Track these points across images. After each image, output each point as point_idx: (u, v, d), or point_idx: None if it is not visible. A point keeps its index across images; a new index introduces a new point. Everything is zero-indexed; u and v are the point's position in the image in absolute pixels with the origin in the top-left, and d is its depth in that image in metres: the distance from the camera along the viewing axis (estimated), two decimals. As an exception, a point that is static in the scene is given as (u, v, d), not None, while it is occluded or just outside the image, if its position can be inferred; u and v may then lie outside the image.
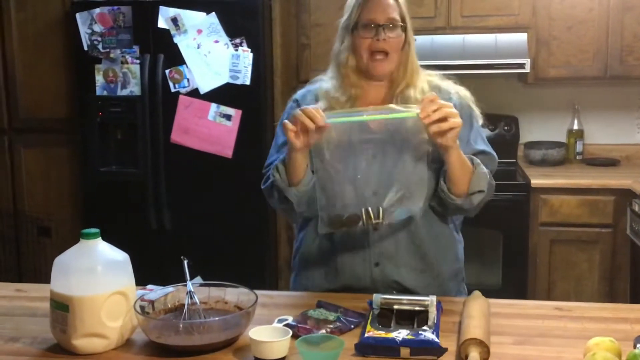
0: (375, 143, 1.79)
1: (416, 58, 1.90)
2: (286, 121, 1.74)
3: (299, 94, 2.01)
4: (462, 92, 1.93)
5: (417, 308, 1.63)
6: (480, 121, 1.94)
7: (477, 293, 1.74)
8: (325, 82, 1.94)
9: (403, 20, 1.84)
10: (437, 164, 1.86)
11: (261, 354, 1.47)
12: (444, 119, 1.68)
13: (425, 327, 1.54)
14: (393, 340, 1.49)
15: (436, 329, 1.54)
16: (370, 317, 1.62)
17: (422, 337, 1.50)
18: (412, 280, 1.90)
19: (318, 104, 1.83)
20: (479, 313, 1.59)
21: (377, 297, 1.67)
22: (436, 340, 1.49)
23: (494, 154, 1.94)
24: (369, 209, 1.76)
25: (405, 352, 1.48)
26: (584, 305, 1.82)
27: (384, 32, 1.81)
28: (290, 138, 1.71)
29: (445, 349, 1.49)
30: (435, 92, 1.87)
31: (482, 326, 1.53)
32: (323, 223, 1.78)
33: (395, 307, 1.64)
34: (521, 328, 1.64)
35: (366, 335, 1.53)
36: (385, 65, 1.84)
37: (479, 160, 1.84)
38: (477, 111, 1.93)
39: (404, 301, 1.66)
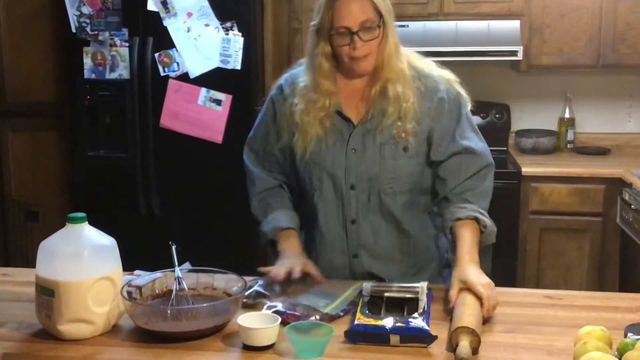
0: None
1: (397, 41, 1.81)
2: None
3: (283, 79, 1.97)
4: (446, 76, 1.88)
5: (407, 295, 1.62)
6: (469, 105, 1.89)
7: None
8: (302, 78, 1.88)
9: (379, 14, 1.74)
10: (420, 157, 1.85)
11: (250, 341, 1.46)
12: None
13: (415, 315, 1.53)
14: (383, 327, 1.48)
15: (426, 317, 1.54)
16: (360, 305, 1.60)
17: (412, 324, 1.49)
18: (389, 271, 1.88)
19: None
20: (472, 301, 1.58)
21: (367, 285, 1.66)
22: (426, 327, 1.49)
23: (482, 148, 1.87)
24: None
25: (395, 339, 1.47)
26: (574, 294, 1.82)
27: (359, 37, 1.73)
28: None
29: (435, 337, 1.48)
30: (419, 77, 1.84)
31: (475, 314, 1.52)
32: None
33: (386, 294, 1.63)
34: (511, 316, 1.64)
35: (356, 322, 1.52)
36: (367, 65, 1.79)
37: (485, 221, 1.80)
38: (464, 95, 1.88)
39: (394, 288, 1.65)
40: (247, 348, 1.47)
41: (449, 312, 1.64)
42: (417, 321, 1.50)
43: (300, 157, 1.88)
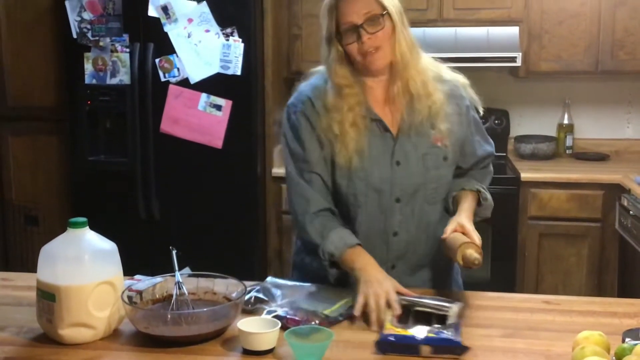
0: None
1: (411, 39, 1.81)
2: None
3: (310, 91, 1.86)
4: (461, 80, 1.90)
5: (437, 312, 1.59)
6: (481, 109, 1.93)
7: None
8: (328, 88, 1.83)
9: (383, 7, 1.74)
10: (455, 164, 1.89)
11: (250, 345, 1.47)
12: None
13: (446, 325, 1.51)
14: (413, 338, 1.46)
15: (457, 327, 1.52)
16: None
17: (443, 335, 1.47)
18: (418, 278, 1.89)
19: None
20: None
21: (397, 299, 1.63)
22: (458, 338, 1.46)
23: (493, 147, 2.00)
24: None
25: (425, 350, 1.45)
26: (572, 299, 1.83)
27: (365, 31, 1.72)
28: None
29: (467, 348, 1.45)
30: (440, 81, 1.85)
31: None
32: None
33: (417, 308, 1.61)
34: (510, 321, 1.65)
35: (385, 332, 1.50)
36: (380, 59, 1.77)
37: (486, 194, 1.88)
38: (477, 99, 1.91)
39: (425, 303, 1.62)
40: (247, 352, 1.47)
41: (476, 319, 1.65)
42: (448, 332, 1.48)
43: (343, 172, 1.81)
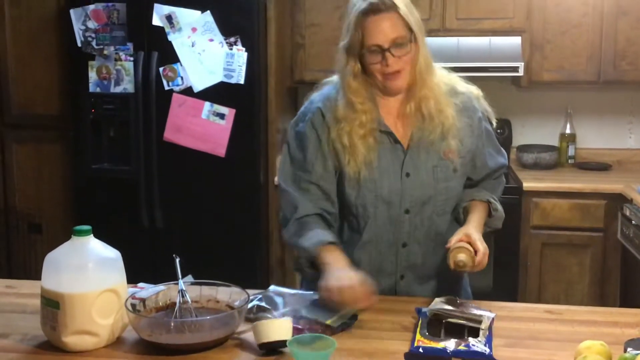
0: None
1: (428, 56, 1.80)
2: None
3: (320, 102, 1.86)
4: (475, 92, 1.91)
5: (469, 324, 1.57)
6: (494, 120, 1.95)
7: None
8: (339, 99, 1.82)
9: (410, 29, 1.73)
10: (465, 176, 1.90)
11: (266, 336, 1.47)
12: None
13: (478, 338, 1.50)
14: (444, 350, 1.45)
15: (489, 340, 1.51)
16: (419, 325, 1.58)
17: (474, 348, 1.46)
18: (427, 288, 1.90)
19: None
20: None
21: (427, 309, 1.63)
22: (489, 352, 1.45)
23: (505, 158, 2.01)
24: None
25: None
26: (574, 309, 1.83)
27: (391, 54, 1.72)
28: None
29: None
30: (453, 94, 1.85)
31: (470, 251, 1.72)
32: None
33: (449, 320, 1.59)
34: (512, 330, 1.65)
35: (416, 344, 1.49)
36: (400, 81, 1.77)
37: (497, 205, 1.91)
38: (490, 111, 1.93)
39: (457, 314, 1.60)
40: (262, 347, 1.48)
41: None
42: (479, 345, 1.47)
43: (353, 183, 1.82)
